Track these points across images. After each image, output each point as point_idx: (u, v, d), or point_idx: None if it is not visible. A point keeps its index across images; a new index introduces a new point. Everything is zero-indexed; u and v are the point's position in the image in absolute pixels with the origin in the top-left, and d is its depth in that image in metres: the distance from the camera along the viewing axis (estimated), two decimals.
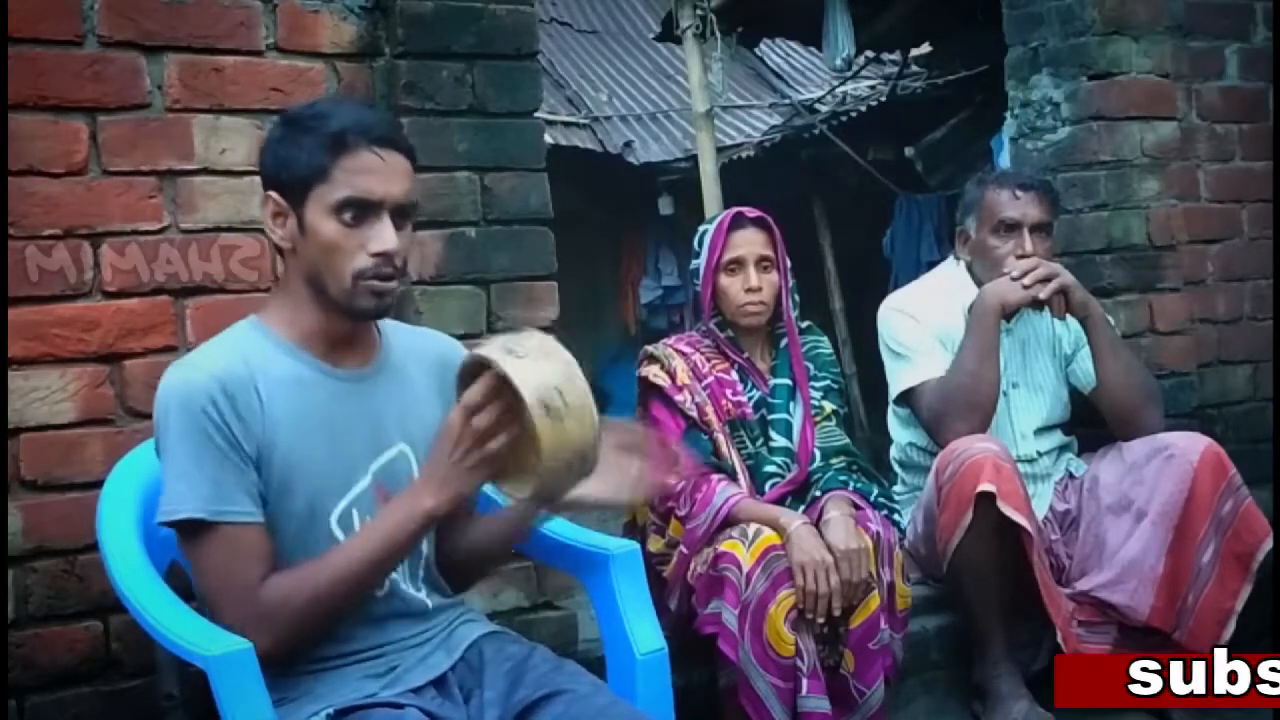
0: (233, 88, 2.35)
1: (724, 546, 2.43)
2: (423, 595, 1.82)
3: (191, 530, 1.66)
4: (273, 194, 1.74)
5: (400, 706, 1.66)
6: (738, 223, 2.71)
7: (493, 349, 1.61)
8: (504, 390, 1.59)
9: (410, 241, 1.78)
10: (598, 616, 2.02)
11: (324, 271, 1.72)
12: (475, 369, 1.64)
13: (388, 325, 1.88)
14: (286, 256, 1.78)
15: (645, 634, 1.94)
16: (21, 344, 2.16)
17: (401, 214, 1.73)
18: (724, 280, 2.69)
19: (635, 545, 2.04)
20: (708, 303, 2.72)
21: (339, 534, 1.74)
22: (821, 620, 2.38)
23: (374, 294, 1.72)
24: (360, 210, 1.70)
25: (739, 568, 2.38)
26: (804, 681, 2.35)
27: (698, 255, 2.75)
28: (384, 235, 1.71)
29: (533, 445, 1.58)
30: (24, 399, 2.17)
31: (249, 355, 1.72)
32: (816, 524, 2.47)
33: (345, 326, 1.78)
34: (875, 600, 2.44)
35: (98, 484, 2.01)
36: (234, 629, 1.63)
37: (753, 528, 2.44)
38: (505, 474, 1.68)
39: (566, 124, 9.17)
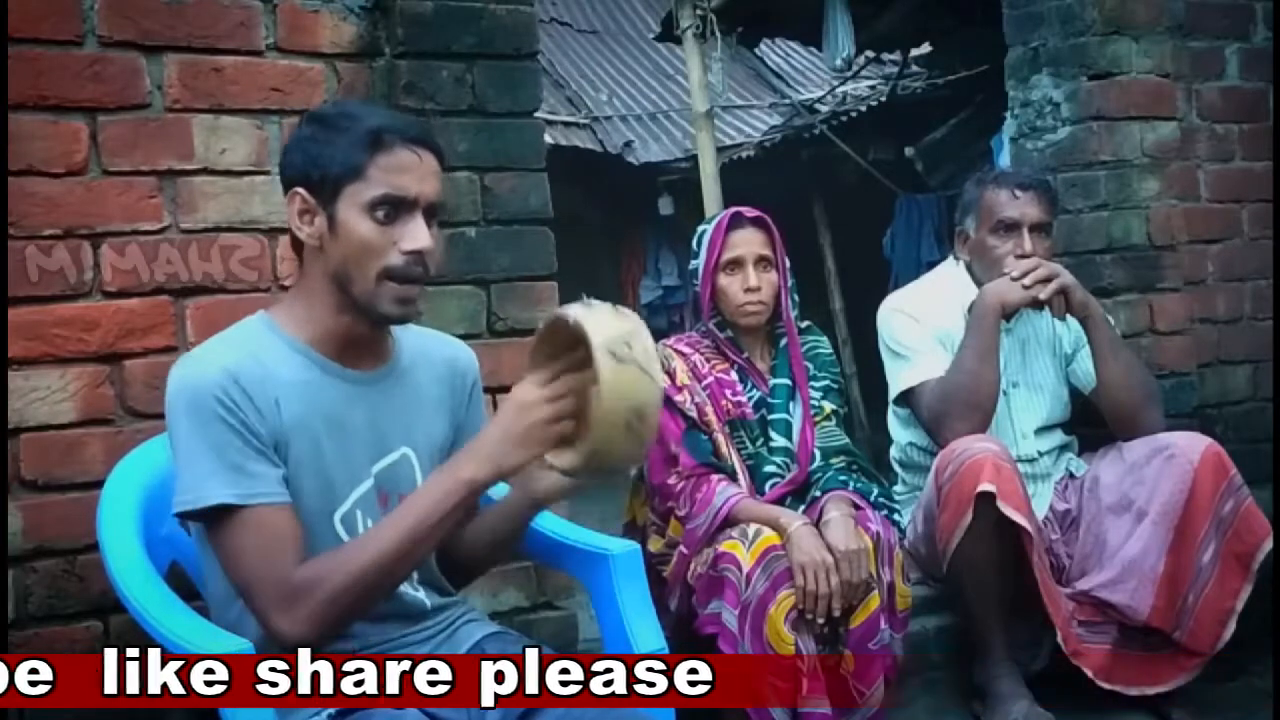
0: (233, 88, 2.35)
1: (724, 547, 2.43)
2: (421, 595, 1.82)
3: (219, 518, 1.64)
4: (300, 191, 1.72)
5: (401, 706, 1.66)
6: (736, 222, 2.71)
7: (566, 307, 1.65)
8: (575, 348, 1.62)
9: (438, 242, 1.76)
10: (598, 616, 2.02)
11: (351, 270, 1.70)
12: (549, 333, 1.67)
13: (399, 327, 1.85)
14: (308, 255, 1.75)
15: (645, 634, 1.93)
16: (21, 344, 2.16)
17: (431, 214, 1.73)
18: (723, 280, 2.69)
19: (635, 545, 2.04)
20: (707, 303, 2.72)
21: (343, 534, 1.73)
22: (821, 620, 2.38)
23: (397, 300, 1.71)
24: (394, 208, 1.69)
25: (739, 568, 2.38)
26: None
27: (697, 255, 2.75)
28: (417, 233, 1.70)
29: (592, 396, 1.59)
30: (24, 399, 2.17)
31: (260, 353, 1.71)
32: (816, 524, 2.47)
33: (361, 329, 1.76)
34: (875, 600, 2.44)
35: (98, 484, 2.01)
36: (269, 615, 1.61)
37: (753, 528, 2.44)
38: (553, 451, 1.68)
39: (566, 124, 9.18)
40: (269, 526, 1.63)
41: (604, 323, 1.60)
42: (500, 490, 1.85)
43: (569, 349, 1.65)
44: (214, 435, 1.63)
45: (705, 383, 2.67)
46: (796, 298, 2.77)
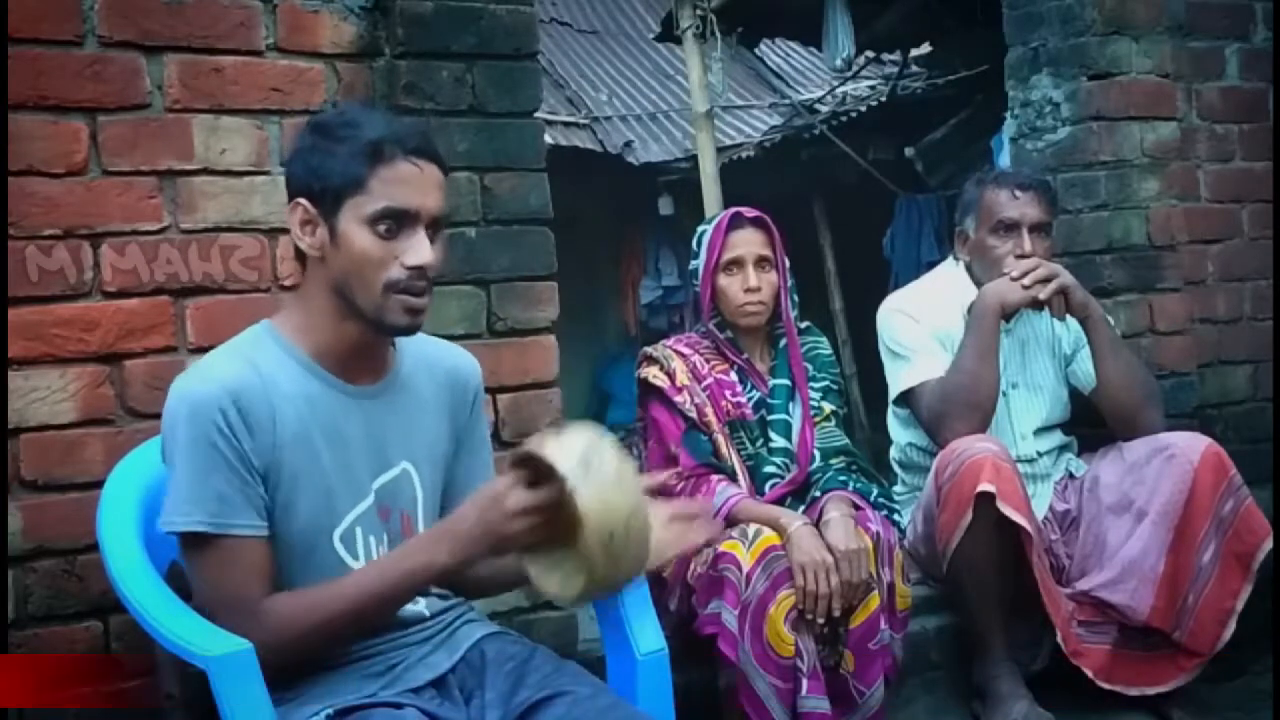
0: (233, 88, 2.35)
1: (724, 547, 2.43)
2: (420, 607, 1.82)
3: (194, 541, 1.66)
4: (303, 201, 1.71)
5: (399, 706, 1.66)
6: (736, 223, 2.71)
7: (568, 460, 1.56)
8: (565, 503, 1.57)
9: (442, 254, 1.75)
10: (598, 617, 2.02)
11: (355, 282, 1.69)
12: (543, 467, 1.59)
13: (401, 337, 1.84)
14: (311, 265, 1.74)
15: (646, 634, 1.93)
16: (21, 344, 2.16)
17: (434, 226, 1.72)
18: (723, 280, 2.69)
19: None
20: (707, 303, 2.72)
21: (342, 551, 1.74)
22: (821, 620, 2.38)
23: (406, 310, 1.70)
24: (396, 222, 1.68)
25: (739, 568, 2.38)
26: (804, 682, 2.35)
27: (696, 255, 2.75)
28: (420, 248, 1.68)
29: (582, 565, 1.59)
30: (24, 399, 2.17)
31: (262, 366, 1.70)
32: (816, 524, 2.47)
33: (364, 340, 1.75)
34: (875, 600, 2.44)
35: (98, 484, 2.01)
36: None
37: (753, 528, 2.45)
38: (533, 551, 1.68)
39: (566, 124, 9.16)
40: (239, 557, 1.65)
41: (602, 506, 1.55)
42: None
43: (546, 478, 1.60)
44: (204, 457, 1.64)
45: (705, 383, 2.67)
46: (796, 298, 2.77)
